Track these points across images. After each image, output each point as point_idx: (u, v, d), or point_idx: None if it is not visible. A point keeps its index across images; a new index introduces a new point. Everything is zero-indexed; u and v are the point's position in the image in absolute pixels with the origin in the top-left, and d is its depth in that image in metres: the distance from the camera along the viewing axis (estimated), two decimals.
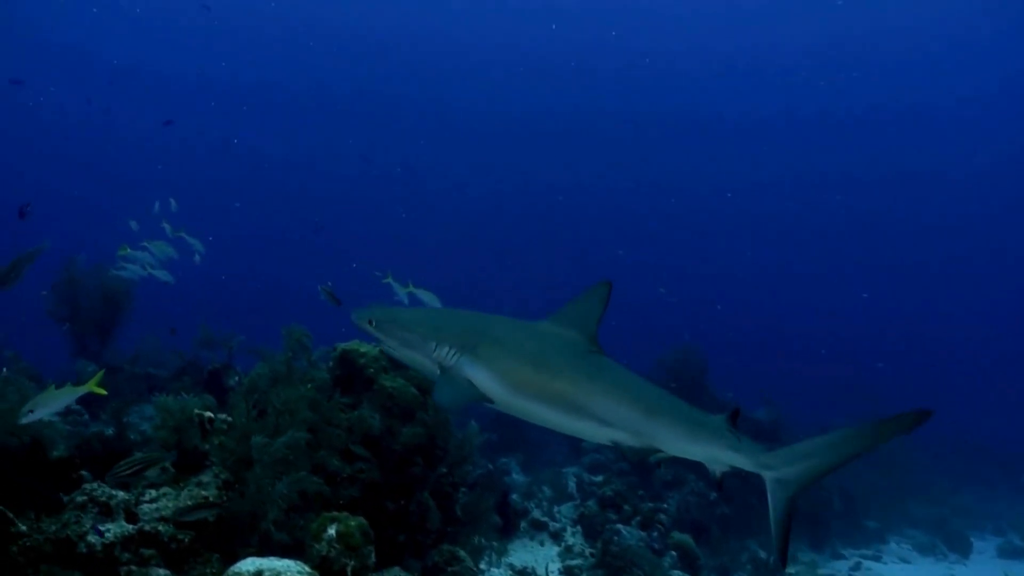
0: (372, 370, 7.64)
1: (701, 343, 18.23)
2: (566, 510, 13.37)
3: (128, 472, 5.25)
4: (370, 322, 4.97)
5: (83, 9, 53.90)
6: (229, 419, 6.48)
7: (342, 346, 7.87)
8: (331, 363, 7.85)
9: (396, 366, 7.56)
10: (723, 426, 4.66)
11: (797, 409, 19.59)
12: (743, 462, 4.63)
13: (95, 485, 5.74)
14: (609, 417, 4.63)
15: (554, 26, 56.86)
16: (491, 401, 4.70)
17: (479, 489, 8.74)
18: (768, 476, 4.60)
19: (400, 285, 11.19)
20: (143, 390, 12.49)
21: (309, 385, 6.89)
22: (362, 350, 7.76)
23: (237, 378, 10.87)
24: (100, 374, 5.08)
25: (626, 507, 11.97)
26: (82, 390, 4.66)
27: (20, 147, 57.77)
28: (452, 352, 4.71)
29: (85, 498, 5.59)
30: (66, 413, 11.11)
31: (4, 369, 6.28)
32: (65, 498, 5.71)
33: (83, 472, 6.31)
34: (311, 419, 6.56)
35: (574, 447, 16.73)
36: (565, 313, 4.92)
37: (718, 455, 4.67)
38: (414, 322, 4.96)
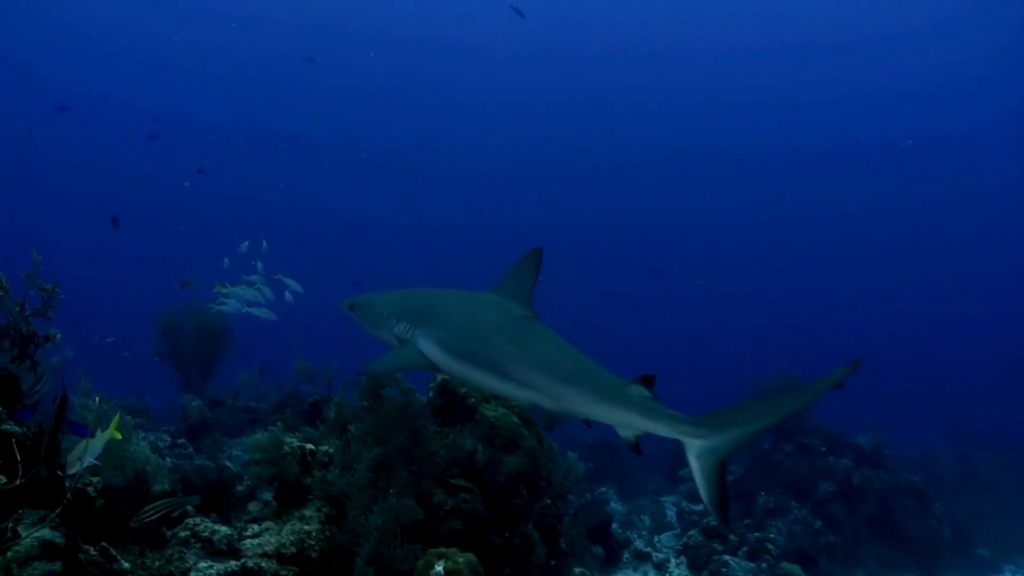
0: (473, 399, 7.41)
1: (800, 370, 17.53)
2: (666, 539, 12.99)
3: (154, 516, 5.22)
4: (351, 307, 5.43)
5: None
6: (331, 451, 6.38)
7: (441, 376, 7.68)
8: (431, 393, 7.67)
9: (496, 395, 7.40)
10: (641, 393, 4.63)
11: (901, 435, 18.67)
12: (664, 430, 4.61)
13: (198, 520, 5.69)
14: (527, 379, 4.77)
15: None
16: (438, 368, 5.02)
17: (581, 520, 8.47)
18: (697, 443, 4.55)
19: None
20: (245, 423, 12.70)
21: (395, 410, 6.67)
22: None
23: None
24: (117, 417, 5.09)
25: (732, 537, 11.53)
26: (107, 435, 4.77)
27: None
28: (407, 327, 5.11)
29: (188, 533, 5.54)
30: (171, 447, 11.34)
31: (97, 399, 6.32)
32: (168, 533, 5.68)
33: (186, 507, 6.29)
34: (405, 447, 6.39)
35: (670, 474, 16.32)
36: (504, 282, 5.16)
37: (635, 421, 4.65)
38: (382, 304, 5.35)
